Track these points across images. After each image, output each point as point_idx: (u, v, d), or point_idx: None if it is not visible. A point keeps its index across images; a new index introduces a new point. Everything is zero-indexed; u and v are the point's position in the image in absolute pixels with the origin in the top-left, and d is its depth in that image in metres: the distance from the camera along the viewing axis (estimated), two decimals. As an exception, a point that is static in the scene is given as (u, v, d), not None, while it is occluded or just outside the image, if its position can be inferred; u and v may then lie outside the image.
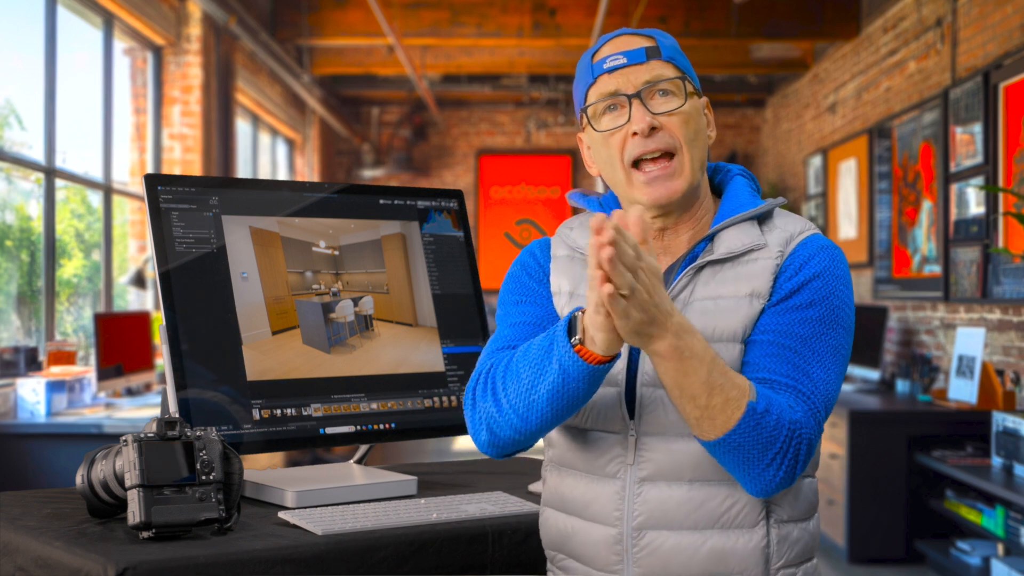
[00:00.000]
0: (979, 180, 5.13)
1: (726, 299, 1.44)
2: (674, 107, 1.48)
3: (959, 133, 5.40)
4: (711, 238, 1.50)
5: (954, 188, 5.46)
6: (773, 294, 1.44)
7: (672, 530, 1.43)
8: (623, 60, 1.49)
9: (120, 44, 6.02)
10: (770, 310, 1.44)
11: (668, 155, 1.48)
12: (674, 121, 1.48)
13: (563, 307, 1.54)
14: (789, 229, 1.49)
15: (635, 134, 1.47)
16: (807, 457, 1.37)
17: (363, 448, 2.06)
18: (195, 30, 6.33)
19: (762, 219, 1.51)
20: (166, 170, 6.23)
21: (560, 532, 1.52)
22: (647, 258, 1.28)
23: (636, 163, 1.49)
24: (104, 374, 4.53)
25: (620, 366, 1.46)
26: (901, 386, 5.79)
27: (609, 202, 1.60)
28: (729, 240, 1.48)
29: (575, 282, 1.54)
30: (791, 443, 1.35)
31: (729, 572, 1.42)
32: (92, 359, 4.69)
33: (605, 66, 1.49)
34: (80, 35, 5.62)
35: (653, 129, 1.47)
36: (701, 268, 1.47)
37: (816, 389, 1.39)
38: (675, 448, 1.43)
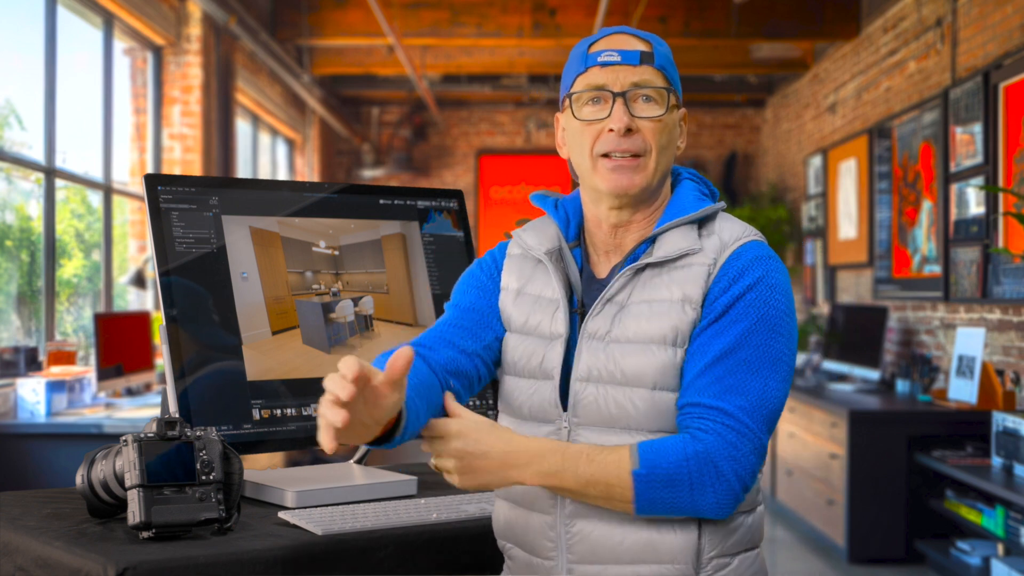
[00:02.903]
0: (979, 180, 5.13)
1: (659, 303, 1.49)
2: (654, 114, 1.53)
3: (959, 133, 5.40)
4: (653, 240, 1.54)
5: (954, 188, 5.46)
6: (705, 306, 1.47)
7: (602, 519, 1.48)
8: (617, 58, 1.53)
9: (120, 44, 6.02)
10: (709, 328, 1.47)
11: (637, 156, 1.54)
12: (651, 127, 1.53)
13: (510, 303, 1.62)
14: (725, 236, 1.51)
15: (611, 130, 1.53)
16: (735, 471, 1.41)
17: (363, 448, 2.06)
18: (195, 30, 6.33)
19: (704, 223, 1.54)
20: (166, 170, 6.23)
21: (507, 521, 1.58)
22: (454, 445, 1.41)
23: (606, 154, 1.55)
24: (104, 374, 4.53)
25: (556, 360, 1.53)
26: (901, 386, 5.78)
27: (566, 203, 1.66)
28: (668, 244, 1.52)
29: (522, 280, 1.62)
30: (697, 470, 1.40)
31: (659, 561, 1.46)
32: (92, 359, 4.69)
33: (599, 59, 1.54)
34: (80, 35, 5.62)
35: (629, 131, 1.52)
36: (641, 270, 1.52)
37: (747, 403, 1.43)
38: (607, 440, 1.48)
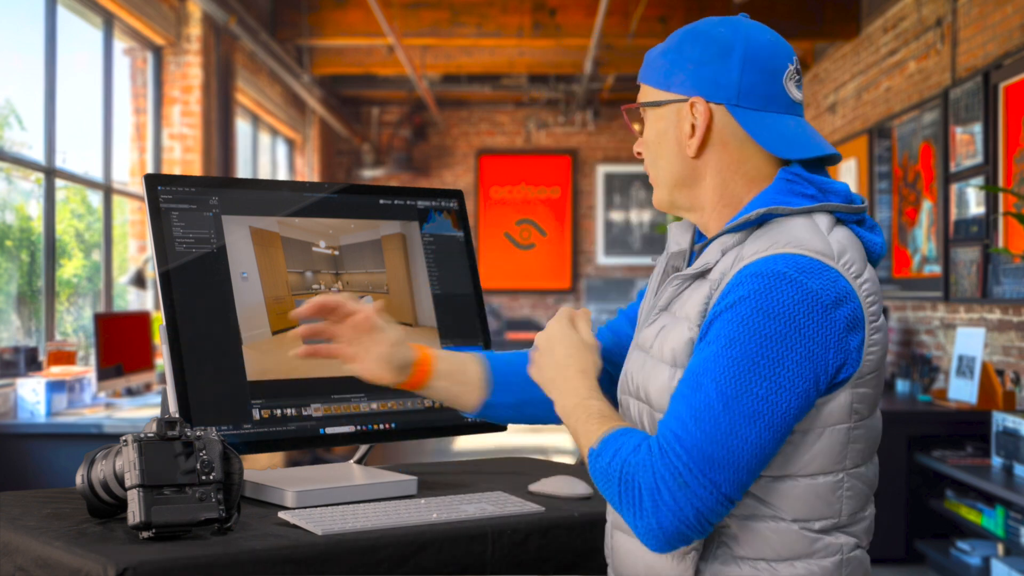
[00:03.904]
0: (979, 180, 5.13)
1: (676, 319, 1.42)
2: (639, 133, 1.53)
3: (959, 133, 5.40)
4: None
5: (954, 188, 5.46)
6: (702, 327, 1.36)
7: (627, 534, 1.45)
8: None
9: (120, 44, 6.03)
10: (696, 349, 1.36)
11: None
12: (642, 147, 1.52)
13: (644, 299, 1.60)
14: (748, 249, 1.36)
15: None
16: (655, 505, 1.28)
17: (363, 448, 2.06)
18: (195, 30, 6.33)
19: (758, 230, 1.39)
20: (166, 170, 6.23)
21: None
22: (540, 336, 1.53)
23: None
24: (104, 374, 4.53)
25: None
26: (901, 386, 5.78)
27: None
28: (703, 255, 1.43)
29: (653, 278, 1.57)
30: (624, 483, 1.31)
31: None
32: (92, 359, 4.69)
33: None
34: (80, 35, 5.62)
35: (639, 153, 1.54)
36: (695, 277, 1.42)
37: (689, 438, 1.29)
38: None
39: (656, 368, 1.41)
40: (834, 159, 1.47)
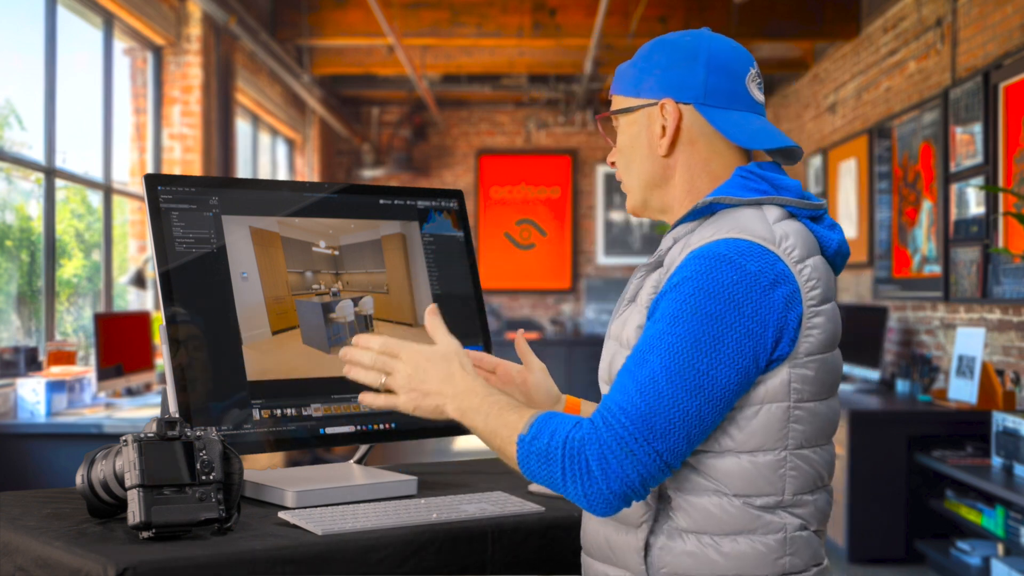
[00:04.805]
0: (979, 180, 5.13)
1: (636, 307, 1.50)
2: (612, 140, 1.61)
3: (959, 133, 5.40)
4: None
5: (954, 188, 5.46)
6: (650, 307, 1.45)
7: (588, 514, 1.53)
8: None
9: (120, 44, 6.03)
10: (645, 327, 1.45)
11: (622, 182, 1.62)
12: (615, 154, 1.60)
13: None
14: (695, 238, 1.45)
15: None
16: (604, 471, 1.35)
17: (363, 448, 2.06)
18: (195, 30, 6.33)
19: (703, 221, 1.48)
20: (166, 170, 6.23)
21: None
22: (409, 352, 1.50)
23: None
24: (104, 374, 4.53)
25: None
26: (901, 386, 5.78)
27: None
28: (660, 245, 1.53)
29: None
30: (569, 457, 1.37)
31: (616, 564, 1.48)
32: (92, 359, 4.69)
33: None
34: (80, 35, 5.62)
35: (612, 163, 1.62)
36: (654, 267, 1.52)
37: (631, 405, 1.36)
38: None
39: (619, 355, 1.48)
40: (796, 153, 1.56)
